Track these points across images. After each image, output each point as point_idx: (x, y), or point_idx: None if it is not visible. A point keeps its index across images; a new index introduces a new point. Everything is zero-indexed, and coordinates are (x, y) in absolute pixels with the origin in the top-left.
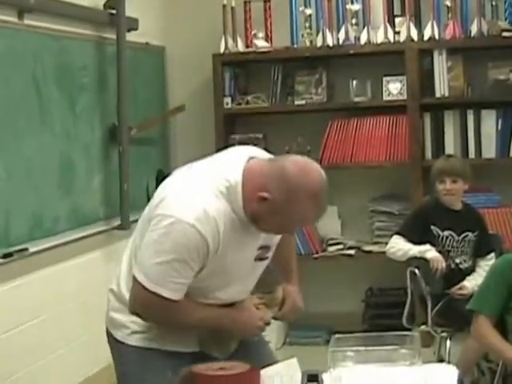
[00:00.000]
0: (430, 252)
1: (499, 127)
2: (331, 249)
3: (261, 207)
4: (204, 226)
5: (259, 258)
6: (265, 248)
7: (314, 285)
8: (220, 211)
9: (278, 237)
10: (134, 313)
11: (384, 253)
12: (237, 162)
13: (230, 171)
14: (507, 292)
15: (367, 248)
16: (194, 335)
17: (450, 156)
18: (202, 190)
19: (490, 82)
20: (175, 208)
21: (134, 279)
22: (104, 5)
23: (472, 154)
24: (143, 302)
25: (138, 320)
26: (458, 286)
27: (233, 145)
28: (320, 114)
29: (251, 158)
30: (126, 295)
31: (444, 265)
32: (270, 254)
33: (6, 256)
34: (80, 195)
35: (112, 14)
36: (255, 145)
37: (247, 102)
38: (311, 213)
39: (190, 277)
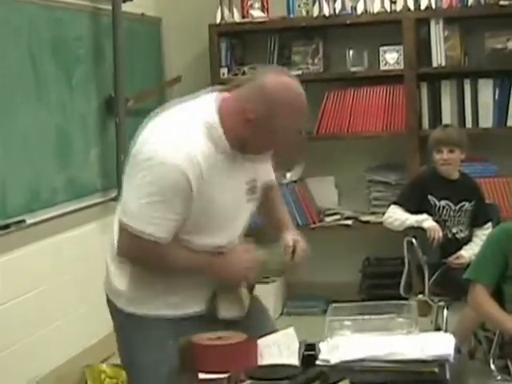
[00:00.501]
0: (426, 221)
1: (496, 97)
2: (328, 219)
3: (245, 130)
4: (184, 162)
5: (250, 192)
6: (253, 182)
7: (311, 255)
8: (200, 147)
9: (264, 171)
10: (122, 257)
11: (381, 223)
12: (207, 101)
13: (204, 112)
14: (504, 261)
15: (364, 218)
16: (199, 294)
17: (446, 126)
18: (181, 130)
19: (487, 51)
20: (154, 148)
21: (120, 224)
22: None
23: (469, 123)
24: (130, 245)
25: (139, 288)
26: (455, 256)
27: None
28: (317, 84)
29: (218, 90)
30: (122, 263)
31: (441, 234)
32: (258, 191)
33: (3, 228)
34: (77, 167)
35: None
36: None
37: (243, 73)
38: (295, 124)
39: (174, 213)
